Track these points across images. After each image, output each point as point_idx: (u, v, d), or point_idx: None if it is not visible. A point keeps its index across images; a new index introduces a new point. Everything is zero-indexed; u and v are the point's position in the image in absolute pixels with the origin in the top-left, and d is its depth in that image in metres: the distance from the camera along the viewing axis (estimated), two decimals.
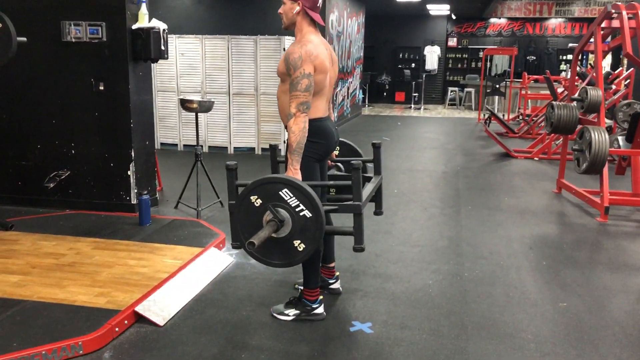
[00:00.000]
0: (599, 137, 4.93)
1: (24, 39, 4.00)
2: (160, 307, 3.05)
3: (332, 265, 3.38)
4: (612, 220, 5.12)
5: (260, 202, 2.59)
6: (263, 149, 8.05)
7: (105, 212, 4.83)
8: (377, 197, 3.36)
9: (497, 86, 13.02)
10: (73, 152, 4.92)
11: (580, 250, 4.32)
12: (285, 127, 2.76)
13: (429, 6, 14.46)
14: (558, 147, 8.09)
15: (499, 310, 3.21)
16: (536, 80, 13.03)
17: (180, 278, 3.42)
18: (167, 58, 4.95)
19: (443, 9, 15.18)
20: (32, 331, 2.71)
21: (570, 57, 15.97)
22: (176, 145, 8.37)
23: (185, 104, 5.05)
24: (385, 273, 3.74)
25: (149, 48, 4.69)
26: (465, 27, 17.27)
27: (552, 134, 7.57)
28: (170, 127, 8.35)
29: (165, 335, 2.85)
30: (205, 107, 5.10)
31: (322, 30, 9.48)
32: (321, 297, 3.08)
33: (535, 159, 8.31)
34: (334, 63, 3.02)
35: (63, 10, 4.72)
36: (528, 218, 5.14)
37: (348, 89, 12.40)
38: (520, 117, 11.84)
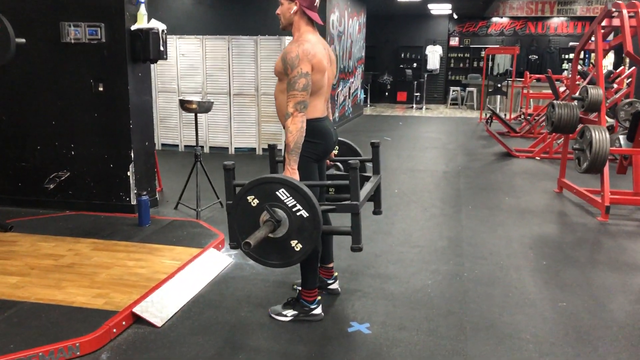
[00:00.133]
0: (599, 136, 4.91)
1: (23, 40, 4.01)
2: (158, 308, 3.05)
3: (330, 265, 3.37)
4: (613, 219, 5.10)
5: (257, 202, 2.58)
6: (264, 150, 8.04)
7: (105, 213, 4.84)
8: (375, 196, 3.35)
9: (499, 85, 12.99)
10: (73, 153, 4.92)
11: (580, 250, 4.31)
12: (284, 127, 2.76)
13: (430, 5, 14.43)
14: (559, 146, 8.06)
15: (498, 311, 3.19)
16: (538, 80, 12.99)
17: (178, 279, 3.41)
18: (166, 59, 4.95)
19: (445, 9, 15.15)
20: (29, 333, 2.71)
21: (572, 56, 15.92)
22: (177, 145, 8.37)
23: (184, 105, 5.05)
24: (384, 273, 3.73)
25: (148, 49, 4.70)
26: (467, 27, 17.24)
27: (554, 134, 7.55)
28: (171, 127, 8.35)
29: (163, 336, 2.84)
30: (205, 107, 5.09)
31: (322, 30, 9.48)
32: (319, 297, 3.08)
33: (537, 158, 8.29)
34: (332, 62, 3.01)
35: (62, 12, 4.72)
36: (529, 218, 5.12)
37: (349, 89, 12.38)
38: (522, 117, 11.82)
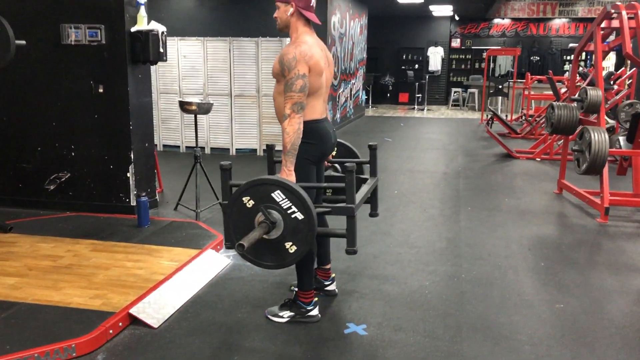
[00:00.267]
0: (598, 137, 4.91)
1: (23, 42, 4.03)
2: (155, 309, 3.06)
3: (328, 267, 3.38)
4: (612, 221, 5.09)
5: (253, 203, 2.59)
6: (265, 151, 8.05)
7: (105, 214, 4.85)
8: (372, 199, 3.35)
9: (500, 87, 12.98)
10: (73, 154, 4.94)
11: (579, 252, 4.30)
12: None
13: (432, 7, 14.43)
14: (560, 147, 8.04)
15: (495, 312, 3.19)
16: (539, 81, 12.97)
17: (176, 280, 3.42)
18: (165, 60, 4.97)
19: (446, 10, 15.14)
20: (25, 333, 2.71)
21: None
22: (178, 147, 8.39)
23: (184, 106, 5.06)
24: (382, 274, 3.73)
25: (148, 50, 4.71)
26: (469, 28, 17.24)
27: (554, 135, 7.54)
28: (173, 128, 8.37)
29: (159, 338, 2.85)
30: (204, 109, 5.10)
31: (324, 32, 9.49)
32: (316, 299, 3.08)
33: (537, 159, 8.28)
34: (330, 64, 3.02)
35: (62, 13, 4.74)
36: (528, 219, 5.12)
37: (351, 90, 12.39)
38: (523, 118, 11.81)
